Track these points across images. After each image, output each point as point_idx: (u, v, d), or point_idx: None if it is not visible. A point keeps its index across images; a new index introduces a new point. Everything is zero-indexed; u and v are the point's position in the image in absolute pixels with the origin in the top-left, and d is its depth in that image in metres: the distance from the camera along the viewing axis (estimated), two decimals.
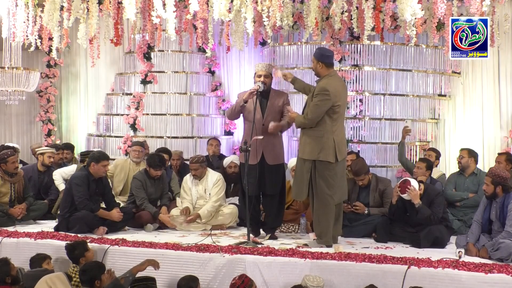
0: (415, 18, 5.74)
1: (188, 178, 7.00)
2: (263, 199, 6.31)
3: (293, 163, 6.67)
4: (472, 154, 6.93)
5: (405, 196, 5.99)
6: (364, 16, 6.06)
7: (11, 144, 8.74)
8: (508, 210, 5.34)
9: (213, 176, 6.94)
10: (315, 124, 5.66)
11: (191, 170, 6.91)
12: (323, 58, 5.76)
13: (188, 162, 7.11)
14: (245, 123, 6.32)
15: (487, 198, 5.60)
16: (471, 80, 8.61)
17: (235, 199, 7.13)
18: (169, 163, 7.77)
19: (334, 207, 5.73)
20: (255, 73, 6.18)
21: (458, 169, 7.06)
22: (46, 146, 8.77)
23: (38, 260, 5.45)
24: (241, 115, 6.29)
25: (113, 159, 8.36)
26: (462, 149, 7.10)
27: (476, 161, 6.95)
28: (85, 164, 6.77)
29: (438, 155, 7.51)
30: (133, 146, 7.71)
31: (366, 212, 6.45)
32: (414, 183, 6.03)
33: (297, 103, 8.37)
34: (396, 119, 8.49)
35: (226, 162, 7.60)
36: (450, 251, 5.58)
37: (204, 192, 6.88)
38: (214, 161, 8.20)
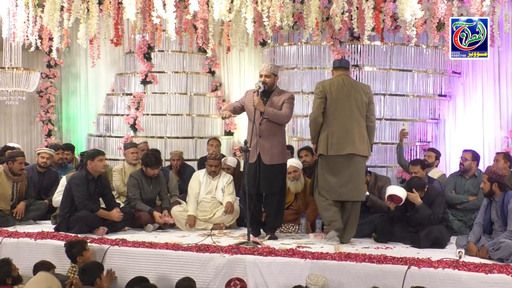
0: (415, 18, 5.75)
1: (200, 174, 6.97)
2: (263, 199, 6.31)
3: (289, 164, 6.64)
4: (475, 158, 6.81)
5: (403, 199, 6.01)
6: (364, 16, 6.07)
7: (11, 144, 8.74)
8: (509, 210, 5.33)
9: (225, 175, 6.95)
10: (316, 119, 5.93)
11: (211, 166, 6.83)
12: (334, 63, 6.17)
13: (208, 160, 6.93)
14: (248, 122, 6.36)
15: (486, 197, 5.60)
16: (471, 80, 8.59)
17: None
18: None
19: (320, 198, 5.99)
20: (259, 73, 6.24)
21: (458, 169, 6.98)
22: (46, 146, 8.77)
23: (43, 268, 5.40)
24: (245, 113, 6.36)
25: (114, 160, 8.39)
26: (465, 151, 6.94)
27: (478, 164, 6.87)
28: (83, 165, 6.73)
29: (438, 155, 7.46)
30: (130, 149, 7.58)
31: (366, 194, 6.36)
32: (398, 190, 6.02)
33: (298, 103, 8.37)
34: (396, 119, 8.48)
35: None
36: (450, 251, 5.57)
37: (214, 189, 6.85)
38: None
